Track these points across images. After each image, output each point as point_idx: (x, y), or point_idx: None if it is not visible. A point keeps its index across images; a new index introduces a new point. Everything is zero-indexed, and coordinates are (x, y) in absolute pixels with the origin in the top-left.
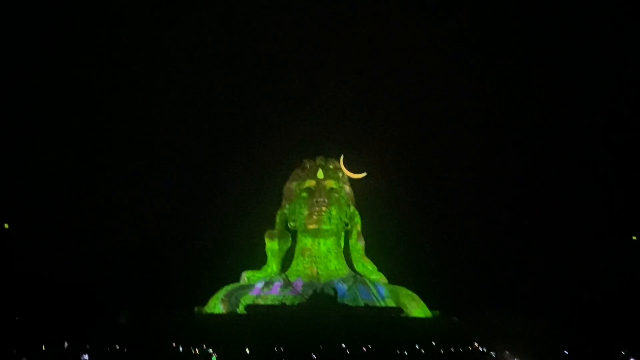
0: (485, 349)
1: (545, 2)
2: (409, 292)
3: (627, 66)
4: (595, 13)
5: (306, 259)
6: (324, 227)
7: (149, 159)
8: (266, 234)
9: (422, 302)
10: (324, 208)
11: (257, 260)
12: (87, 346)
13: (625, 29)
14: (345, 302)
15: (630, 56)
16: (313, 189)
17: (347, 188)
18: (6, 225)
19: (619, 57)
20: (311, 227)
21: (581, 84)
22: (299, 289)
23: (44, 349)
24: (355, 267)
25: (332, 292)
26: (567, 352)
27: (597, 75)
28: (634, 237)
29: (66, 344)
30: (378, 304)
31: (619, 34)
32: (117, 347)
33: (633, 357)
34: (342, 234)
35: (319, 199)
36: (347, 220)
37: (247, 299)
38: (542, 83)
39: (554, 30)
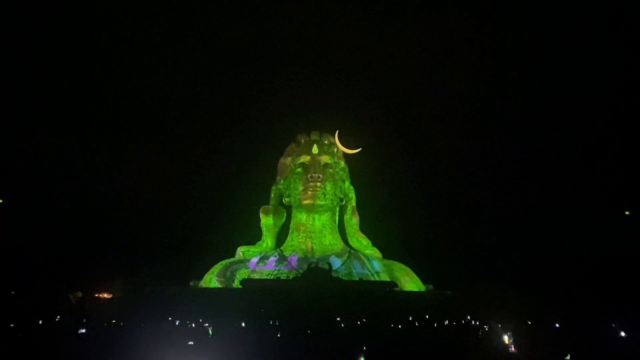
0: (478, 322)
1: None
2: (403, 266)
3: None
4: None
5: (301, 234)
6: (319, 202)
7: (143, 132)
8: (261, 210)
9: (415, 276)
10: (318, 183)
11: (252, 235)
12: (84, 320)
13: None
14: (340, 276)
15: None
16: (308, 164)
17: (342, 163)
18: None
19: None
20: (306, 202)
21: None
22: (294, 263)
23: (40, 323)
24: (350, 242)
25: (326, 267)
26: (558, 325)
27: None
28: (627, 212)
29: (62, 318)
30: (372, 278)
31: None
32: (114, 321)
33: (623, 331)
34: (337, 209)
35: (313, 175)
36: (341, 196)
37: (243, 273)
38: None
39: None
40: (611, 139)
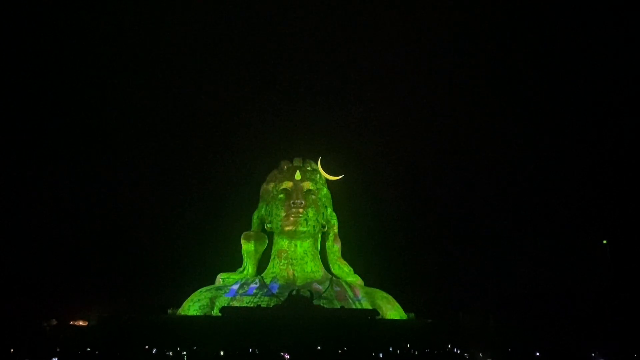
0: (458, 351)
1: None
2: (385, 294)
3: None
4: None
5: (282, 260)
6: (301, 228)
7: (126, 158)
8: (242, 236)
9: (397, 304)
10: (300, 210)
11: (233, 262)
12: (57, 349)
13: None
14: (321, 304)
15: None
16: (290, 190)
17: (325, 190)
18: None
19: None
20: (288, 228)
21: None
22: (275, 290)
23: (12, 351)
24: (332, 269)
25: (307, 294)
26: (538, 354)
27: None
28: (604, 241)
29: (35, 347)
30: (354, 306)
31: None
32: (89, 349)
33: (603, 358)
34: (319, 235)
35: (295, 201)
36: (324, 222)
37: (222, 300)
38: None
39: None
40: (588, 170)
